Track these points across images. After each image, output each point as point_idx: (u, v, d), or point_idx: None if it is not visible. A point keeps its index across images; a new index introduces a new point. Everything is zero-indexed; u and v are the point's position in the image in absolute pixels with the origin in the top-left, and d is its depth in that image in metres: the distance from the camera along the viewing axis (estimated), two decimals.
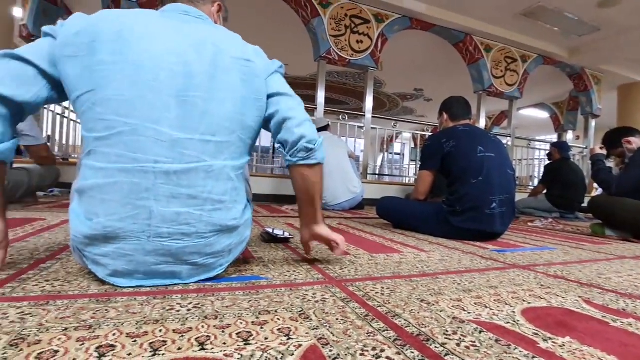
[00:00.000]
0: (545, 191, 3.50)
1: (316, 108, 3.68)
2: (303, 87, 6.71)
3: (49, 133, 3.33)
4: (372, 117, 4.02)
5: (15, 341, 0.43)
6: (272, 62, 0.84)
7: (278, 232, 1.25)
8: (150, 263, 0.67)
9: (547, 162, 3.68)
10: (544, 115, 7.15)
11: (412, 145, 8.99)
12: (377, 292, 0.72)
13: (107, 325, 0.49)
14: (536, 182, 5.05)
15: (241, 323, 0.53)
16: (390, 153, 6.62)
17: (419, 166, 1.83)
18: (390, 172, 5.93)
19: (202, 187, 0.68)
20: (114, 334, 0.47)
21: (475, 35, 4.32)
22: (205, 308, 0.59)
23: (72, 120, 3.60)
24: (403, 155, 9.70)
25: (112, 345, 0.44)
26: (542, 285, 0.86)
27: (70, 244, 0.70)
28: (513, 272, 0.99)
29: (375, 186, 3.90)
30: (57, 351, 0.42)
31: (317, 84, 3.76)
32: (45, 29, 0.69)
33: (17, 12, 3.70)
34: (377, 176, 5.88)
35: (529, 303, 0.71)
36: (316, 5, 3.60)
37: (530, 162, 5.74)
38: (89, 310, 0.55)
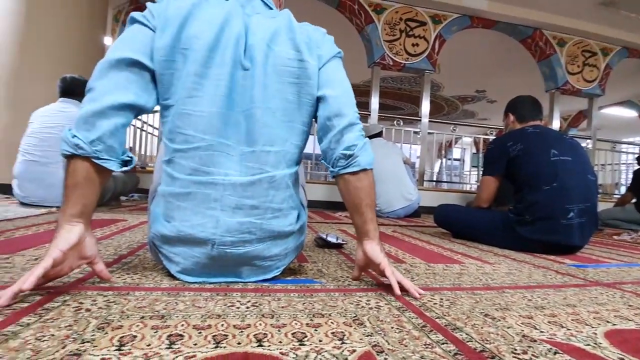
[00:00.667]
0: (634, 200, 3.05)
1: (370, 114, 3.65)
2: (357, 94, 6.67)
3: (130, 144, 3.77)
4: (429, 121, 3.88)
5: (102, 325, 0.49)
6: (329, 48, 0.79)
7: (331, 237, 1.26)
8: (214, 265, 0.72)
9: (637, 167, 3.20)
10: (630, 114, 6.27)
11: (474, 150, 8.45)
12: (435, 303, 0.69)
13: (177, 317, 0.54)
14: (623, 190, 4.42)
15: (296, 324, 0.54)
16: (449, 159, 6.30)
17: (481, 172, 1.71)
18: (449, 178, 5.63)
19: (264, 197, 0.71)
20: (182, 325, 0.51)
21: (546, 29, 3.96)
22: (262, 307, 0.61)
23: (149, 133, 4.03)
24: (463, 161, 9.14)
25: (180, 335, 0.48)
26: (630, 306, 0.74)
27: (147, 241, 0.78)
28: (595, 289, 0.88)
29: (432, 193, 3.74)
30: (135, 336, 0.46)
31: (371, 90, 3.74)
32: (136, 15, 0.69)
33: (107, 40, 4.28)
34: (434, 183, 5.62)
35: (614, 324, 0.62)
36: (370, 11, 3.60)
37: (616, 168, 5.06)
38: (162, 302, 0.60)
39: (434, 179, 6.44)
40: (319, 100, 0.76)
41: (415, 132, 4.03)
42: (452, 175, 5.87)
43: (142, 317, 0.53)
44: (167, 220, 0.71)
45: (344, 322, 0.56)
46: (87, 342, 0.44)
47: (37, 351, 0.41)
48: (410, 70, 3.83)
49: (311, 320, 0.56)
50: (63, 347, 0.42)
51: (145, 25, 0.68)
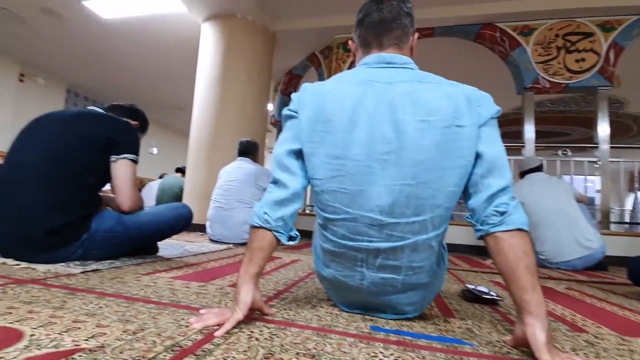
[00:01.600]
0: None
1: (524, 146, 3.19)
2: (506, 124, 6.01)
3: None
4: (611, 147, 3.09)
5: (267, 355, 0.58)
6: (488, 107, 0.75)
7: (482, 290, 1.12)
8: (362, 304, 0.87)
9: None
10: None
11: None
12: None
13: (325, 358, 0.58)
14: None
15: None
16: None
17: None
18: None
19: (405, 259, 0.77)
20: None
21: None
22: None
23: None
24: None
25: None
26: None
27: (315, 272, 0.98)
28: None
29: (623, 239, 2.87)
30: None
31: (524, 118, 3.30)
32: (285, 112, 0.83)
33: (269, 106, 5.29)
34: (626, 225, 4.29)
35: None
36: (515, 35, 3.29)
37: None
38: (312, 341, 0.66)
39: (626, 219, 4.92)
40: (475, 157, 0.73)
41: (592, 162, 3.26)
42: None
43: (297, 353, 0.59)
44: (325, 265, 0.86)
45: None
46: None
47: None
48: (576, 90, 3.21)
49: None
50: None
51: (292, 117, 0.82)
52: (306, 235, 3.56)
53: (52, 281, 0.98)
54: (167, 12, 3.66)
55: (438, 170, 0.71)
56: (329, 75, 3.74)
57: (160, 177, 5.07)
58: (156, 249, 1.64)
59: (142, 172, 1.44)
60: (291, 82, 4.84)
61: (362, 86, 0.77)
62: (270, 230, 0.77)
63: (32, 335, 0.58)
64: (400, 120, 0.73)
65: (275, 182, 0.81)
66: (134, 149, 1.38)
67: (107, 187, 1.42)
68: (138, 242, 1.44)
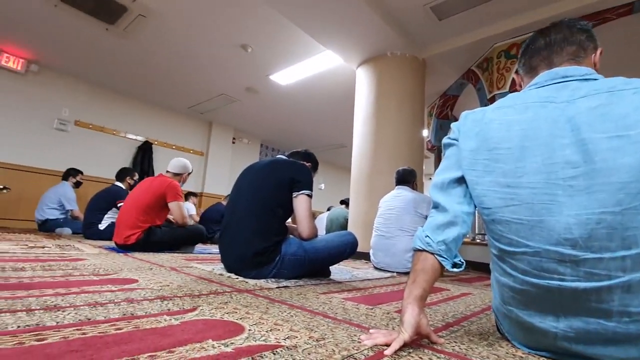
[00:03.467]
0: None
1: None
2: None
3: None
4: None
5: None
6: None
7: None
8: (554, 349, 0.71)
9: None
10: None
11: None
12: None
13: None
14: None
15: None
16: None
17: None
18: None
19: (617, 302, 0.61)
20: None
21: None
22: None
23: None
24: None
25: None
26: None
27: (492, 308, 0.88)
28: None
29: None
30: None
31: None
32: (445, 140, 0.85)
33: (425, 132, 5.20)
34: None
35: None
36: None
37: None
38: None
39: None
40: None
41: None
42: None
43: None
44: (505, 302, 0.76)
45: None
46: None
47: None
48: None
49: None
50: None
51: (452, 144, 0.82)
52: (475, 267, 3.24)
53: (258, 292, 1.25)
54: (327, 68, 4.27)
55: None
56: (491, 89, 3.42)
57: (328, 209, 5.69)
58: (329, 273, 1.85)
59: (313, 205, 1.71)
60: (446, 104, 4.66)
61: (532, 110, 0.71)
62: (433, 253, 0.77)
63: (250, 330, 0.77)
64: (587, 140, 0.62)
65: (436, 206, 0.81)
66: (310, 186, 1.66)
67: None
68: (315, 264, 1.67)
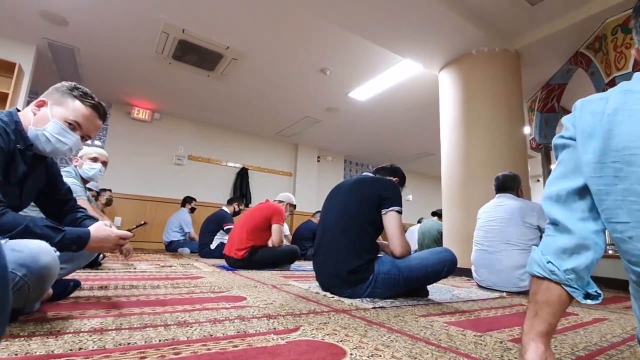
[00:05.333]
0: None
1: None
2: None
3: None
4: None
5: None
6: None
7: None
8: None
9: None
10: None
11: None
12: None
13: None
14: None
15: None
16: None
17: None
18: None
19: None
20: None
21: None
22: None
23: None
24: None
25: None
26: None
27: (637, 338, 0.72)
28: None
29: None
30: None
31: None
32: (556, 141, 0.70)
33: (526, 129, 4.61)
34: None
35: None
36: None
37: None
38: None
39: None
40: None
41: None
42: None
43: None
44: None
45: None
46: None
47: None
48: None
49: None
50: None
51: (567, 146, 0.68)
52: (610, 284, 2.73)
53: (355, 313, 1.26)
54: (406, 78, 4.17)
55: None
56: (608, 71, 2.88)
57: (419, 221, 5.42)
58: (427, 293, 1.75)
59: (403, 218, 1.66)
60: (551, 95, 4.08)
61: None
62: (559, 283, 0.65)
63: (351, 354, 0.78)
64: None
65: (555, 223, 0.68)
66: (399, 202, 1.62)
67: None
68: (410, 284, 1.60)
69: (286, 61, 3.94)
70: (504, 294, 2.06)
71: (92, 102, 1.11)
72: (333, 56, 3.81)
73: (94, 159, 2.22)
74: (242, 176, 6.36)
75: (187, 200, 5.02)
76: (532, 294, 0.68)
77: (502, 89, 3.37)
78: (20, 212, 1.00)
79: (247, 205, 6.03)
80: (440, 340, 0.95)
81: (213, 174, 6.19)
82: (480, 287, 2.31)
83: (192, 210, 5.02)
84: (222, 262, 3.17)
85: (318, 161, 7.44)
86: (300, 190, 7.00)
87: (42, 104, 1.05)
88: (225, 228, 4.01)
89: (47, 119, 1.03)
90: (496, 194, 2.39)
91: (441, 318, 1.26)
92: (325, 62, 3.93)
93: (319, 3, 2.85)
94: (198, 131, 6.12)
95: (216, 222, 4.06)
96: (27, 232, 0.86)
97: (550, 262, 0.66)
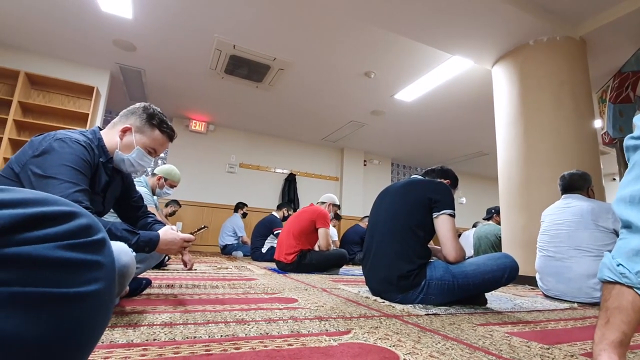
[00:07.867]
0: None
1: None
2: None
3: None
4: None
5: None
6: None
7: None
8: None
9: None
10: None
11: None
12: None
13: None
14: None
15: None
16: None
17: None
18: None
19: None
20: None
21: None
22: None
23: None
24: None
25: None
26: None
27: None
28: None
29: None
30: None
31: None
32: (627, 142, 0.66)
33: (597, 123, 4.16)
34: None
35: None
36: None
37: None
38: None
39: None
40: None
41: None
42: None
43: None
44: None
45: None
46: None
47: None
48: None
49: None
50: None
51: (638, 147, 0.63)
52: None
53: (407, 319, 1.23)
54: (454, 75, 3.99)
55: None
56: None
57: (474, 225, 5.12)
58: (485, 301, 1.65)
59: (456, 222, 1.59)
60: (624, 84, 3.64)
61: None
62: (631, 287, 0.60)
63: (404, 359, 0.77)
64: None
65: (628, 226, 0.63)
66: (451, 205, 1.56)
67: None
68: (466, 291, 1.52)
69: (330, 67, 4.00)
70: (575, 304, 1.87)
71: (168, 131, 1.25)
72: (377, 59, 3.78)
73: (173, 186, 2.60)
74: (290, 182, 6.53)
75: (239, 206, 5.27)
76: (603, 300, 0.64)
77: (568, 80, 3.08)
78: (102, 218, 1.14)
79: (295, 210, 6.17)
80: (501, 350, 0.89)
81: (263, 180, 6.44)
82: (546, 296, 2.12)
83: (244, 215, 5.25)
84: (273, 265, 3.28)
85: (364, 165, 7.39)
86: (346, 195, 6.99)
87: (127, 130, 1.18)
88: (275, 232, 4.14)
89: (132, 146, 1.17)
90: (562, 194, 2.19)
91: (502, 328, 1.18)
92: (369, 65, 3.91)
93: (362, 7, 2.86)
94: (248, 140, 6.42)
95: (266, 227, 4.21)
96: (110, 235, 0.98)
97: (621, 264, 0.62)
